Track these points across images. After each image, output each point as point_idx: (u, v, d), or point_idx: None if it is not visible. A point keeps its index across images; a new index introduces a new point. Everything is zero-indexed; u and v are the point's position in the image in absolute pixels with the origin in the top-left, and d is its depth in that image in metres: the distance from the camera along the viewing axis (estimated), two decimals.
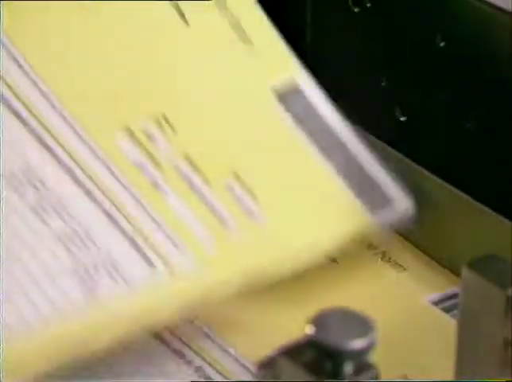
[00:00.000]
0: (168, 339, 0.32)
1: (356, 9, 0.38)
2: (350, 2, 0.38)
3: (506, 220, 0.33)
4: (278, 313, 0.34)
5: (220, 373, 0.32)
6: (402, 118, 0.38)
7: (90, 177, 0.32)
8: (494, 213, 0.34)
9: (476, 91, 0.35)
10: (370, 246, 0.38)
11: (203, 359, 0.32)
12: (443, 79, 0.36)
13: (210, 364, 0.32)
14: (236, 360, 0.33)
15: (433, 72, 0.37)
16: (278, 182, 0.34)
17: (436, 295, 0.36)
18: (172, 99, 0.34)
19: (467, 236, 0.35)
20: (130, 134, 0.33)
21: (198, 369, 0.32)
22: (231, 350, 0.32)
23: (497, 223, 0.34)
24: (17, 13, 0.36)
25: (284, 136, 0.34)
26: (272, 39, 0.36)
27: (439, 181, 0.36)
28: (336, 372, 0.21)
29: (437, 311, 0.35)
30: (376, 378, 0.22)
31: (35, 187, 0.31)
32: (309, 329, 0.22)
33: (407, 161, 0.37)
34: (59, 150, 0.32)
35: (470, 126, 0.35)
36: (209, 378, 0.31)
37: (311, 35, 0.41)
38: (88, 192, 0.31)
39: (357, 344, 0.21)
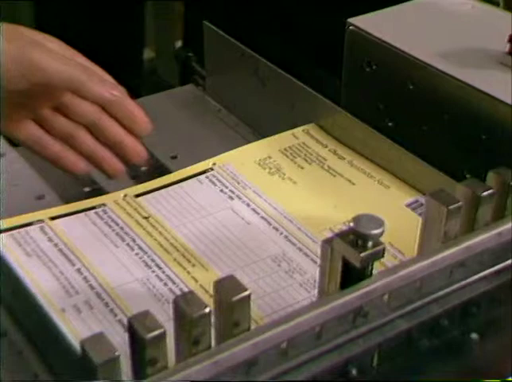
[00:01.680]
0: None
1: None
2: None
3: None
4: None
5: None
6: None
7: None
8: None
9: None
10: (370, 175, 0.48)
11: None
12: None
13: None
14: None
15: None
16: None
17: (409, 201, 0.45)
18: None
19: None
20: None
21: None
22: None
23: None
24: None
25: None
26: None
27: None
28: (364, 246, 0.31)
29: (410, 211, 0.45)
30: (383, 250, 0.31)
31: None
32: (351, 224, 0.31)
33: None
34: None
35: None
36: None
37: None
38: None
39: (375, 231, 0.31)
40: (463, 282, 0.35)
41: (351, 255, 0.32)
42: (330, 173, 0.49)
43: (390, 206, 0.44)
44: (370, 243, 0.32)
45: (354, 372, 0.32)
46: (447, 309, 0.34)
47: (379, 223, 0.32)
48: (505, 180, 0.37)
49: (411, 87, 0.49)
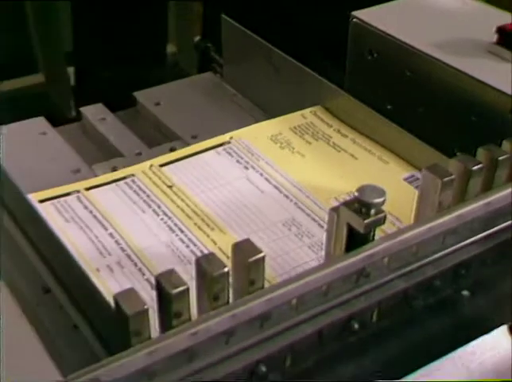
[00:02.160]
0: None
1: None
2: None
3: None
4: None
5: None
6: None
7: None
8: None
9: None
10: (371, 152, 0.47)
11: None
12: None
13: None
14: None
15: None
16: None
17: (406, 176, 0.45)
18: None
19: None
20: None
21: None
22: None
23: None
24: None
25: None
26: None
27: None
28: (368, 214, 0.31)
29: (407, 185, 0.44)
30: (384, 217, 0.31)
31: None
32: (356, 193, 0.31)
33: None
34: None
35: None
36: None
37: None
38: None
39: (378, 200, 0.30)
40: (455, 247, 0.34)
41: (356, 221, 0.31)
42: (335, 149, 0.48)
43: (389, 179, 0.44)
44: (372, 211, 0.31)
45: (356, 326, 0.32)
46: (440, 271, 0.34)
47: (381, 193, 0.32)
48: (493, 156, 0.37)
49: (408, 73, 0.48)
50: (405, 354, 0.31)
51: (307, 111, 0.51)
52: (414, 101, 0.48)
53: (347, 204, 0.32)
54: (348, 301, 0.32)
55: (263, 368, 0.30)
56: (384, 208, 0.31)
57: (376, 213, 0.31)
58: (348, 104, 0.50)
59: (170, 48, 0.90)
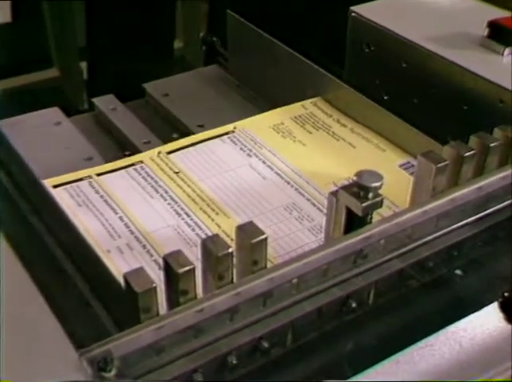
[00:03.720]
0: None
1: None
2: None
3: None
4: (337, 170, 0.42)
5: None
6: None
7: None
8: None
9: None
10: (368, 140, 0.47)
11: None
12: None
13: None
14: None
15: None
16: None
17: (401, 163, 0.44)
18: None
19: None
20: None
21: None
22: None
23: None
24: None
25: None
26: None
27: None
28: (366, 197, 0.31)
29: (402, 171, 0.44)
30: (381, 201, 0.31)
31: None
32: (355, 177, 0.31)
33: None
34: None
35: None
36: None
37: None
38: None
39: (376, 184, 0.30)
40: (448, 229, 0.34)
41: (354, 204, 0.31)
42: (334, 138, 0.48)
43: (386, 166, 0.44)
44: (370, 195, 0.31)
45: (354, 304, 0.32)
46: (434, 252, 0.34)
47: (379, 177, 0.31)
48: (485, 142, 0.36)
49: (404, 65, 0.48)
50: (400, 331, 0.31)
51: (307, 102, 0.51)
52: (410, 91, 0.48)
53: (345, 188, 0.32)
54: (346, 280, 0.32)
55: (266, 344, 0.30)
56: (380, 192, 0.31)
57: (374, 197, 0.31)
58: (347, 95, 0.50)
59: (178, 43, 0.91)
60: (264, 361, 0.30)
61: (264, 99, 0.56)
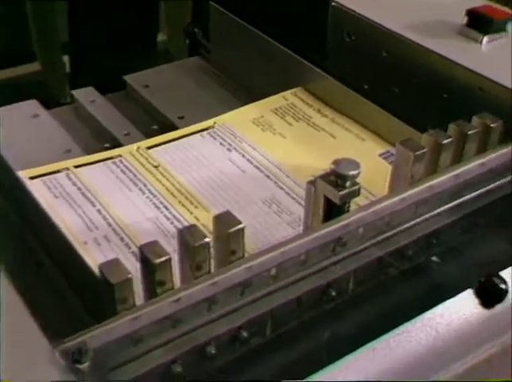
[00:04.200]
0: None
1: None
2: None
3: None
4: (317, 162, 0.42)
5: None
6: None
7: None
8: None
9: None
10: (348, 130, 0.47)
11: None
12: None
13: None
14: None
15: None
16: None
17: (381, 152, 0.44)
18: None
19: None
20: None
21: None
22: None
23: None
24: None
25: None
26: None
27: None
28: (343, 186, 0.30)
29: (382, 160, 0.44)
30: (359, 189, 0.31)
31: None
32: (332, 166, 0.31)
33: None
34: None
35: None
36: None
37: None
38: None
39: (353, 172, 0.30)
40: (427, 216, 0.34)
41: (332, 193, 0.31)
42: (315, 129, 0.48)
43: (365, 156, 0.44)
44: (348, 183, 0.31)
45: (333, 293, 0.32)
46: (412, 239, 0.34)
47: (356, 165, 0.31)
48: (463, 130, 0.36)
49: (384, 54, 0.48)
50: (378, 318, 0.31)
51: (288, 93, 0.51)
52: (390, 81, 0.48)
53: (323, 176, 0.32)
54: (326, 269, 0.32)
55: (245, 334, 0.30)
56: (359, 182, 0.31)
57: (351, 185, 0.31)
58: (328, 85, 0.50)
59: (162, 37, 0.90)
60: (243, 351, 0.29)
61: (246, 89, 0.55)
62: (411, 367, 0.27)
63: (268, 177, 0.42)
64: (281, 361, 0.30)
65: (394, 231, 0.33)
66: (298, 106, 0.50)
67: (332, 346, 0.30)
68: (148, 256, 0.27)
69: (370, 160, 0.43)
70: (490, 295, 0.27)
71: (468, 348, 0.27)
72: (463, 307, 0.28)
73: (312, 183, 0.32)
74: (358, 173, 0.31)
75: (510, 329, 0.27)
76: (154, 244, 0.27)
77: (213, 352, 0.29)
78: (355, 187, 0.31)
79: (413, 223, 0.34)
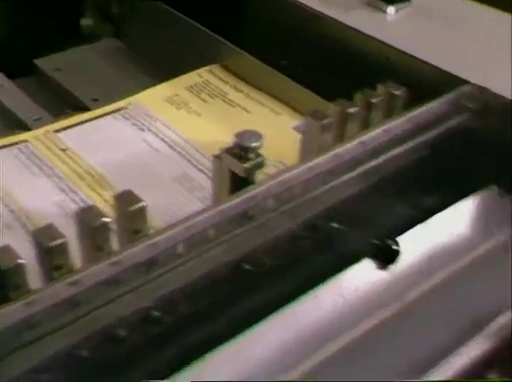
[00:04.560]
0: None
1: None
2: None
3: None
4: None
5: None
6: None
7: None
8: None
9: None
10: (263, 105, 0.47)
11: None
12: None
13: None
14: None
15: None
16: None
17: (295, 125, 0.44)
18: None
19: None
20: None
21: None
22: None
23: None
24: None
25: None
26: None
27: None
28: (247, 158, 0.31)
29: (296, 133, 0.43)
30: (264, 161, 0.31)
31: None
32: (235, 139, 0.31)
33: None
34: None
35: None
36: None
37: None
38: None
39: (255, 144, 0.31)
40: (334, 185, 0.34)
41: (236, 166, 0.31)
42: (230, 105, 0.47)
43: (280, 129, 0.44)
44: (251, 155, 0.31)
45: (246, 266, 0.32)
46: (321, 209, 0.33)
47: (258, 137, 0.31)
48: (368, 99, 0.37)
49: (295, 27, 0.48)
50: (288, 289, 0.31)
51: (203, 70, 0.50)
52: (302, 54, 0.48)
53: (228, 150, 0.32)
54: (235, 243, 0.31)
55: (156, 313, 0.29)
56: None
57: (255, 157, 0.31)
58: (244, 61, 0.49)
59: (86, 21, 0.87)
60: (156, 331, 0.29)
61: (161, 69, 0.54)
62: (320, 333, 0.27)
63: (180, 154, 0.42)
64: (194, 340, 0.29)
65: (302, 200, 0.33)
66: (213, 83, 0.49)
67: (246, 321, 0.30)
68: (41, 240, 0.26)
69: (285, 133, 0.43)
70: (384, 257, 0.28)
71: (373, 310, 0.28)
72: (367, 272, 0.29)
73: (217, 157, 0.32)
74: (261, 145, 0.31)
75: (411, 288, 0.28)
76: (49, 227, 0.26)
77: (122, 334, 0.28)
78: (260, 159, 0.31)
79: (320, 192, 0.34)
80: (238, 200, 0.31)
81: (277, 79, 0.47)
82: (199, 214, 0.30)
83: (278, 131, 0.43)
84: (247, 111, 0.46)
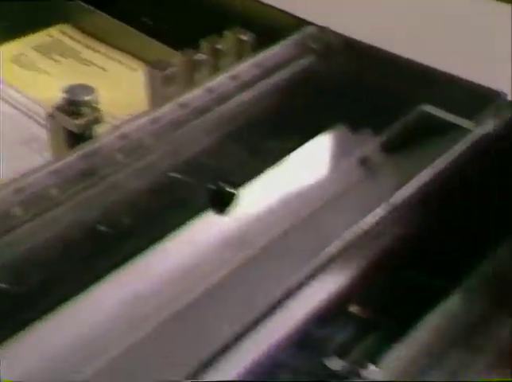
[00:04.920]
0: None
1: None
2: None
3: None
4: None
5: None
6: None
7: None
8: None
9: None
10: (121, 63, 0.45)
11: None
12: None
13: None
14: None
15: None
16: None
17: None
18: None
19: None
20: None
21: None
22: None
23: None
24: None
25: None
26: None
27: None
28: (81, 113, 0.30)
29: None
30: (100, 116, 0.30)
31: None
32: (64, 95, 0.30)
33: None
34: None
35: None
36: None
37: None
38: None
39: (87, 98, 0.29)
40: (180, 133, 0.33)
41: (69, 123, 0.30)
42: (85, 64, 0.45)
43: (136, 85, 0.41)
44: (85, 110, 0.30)
45: (103, 228, 0.30)
46: (172, 163, 0.32)
47: (90, 90, 0.30)
48: (214, 45, 0.36)
49: None
50: (140, 242, 0.30)
51: (53, 30, 0.48)
52: (163, 11, 0.46)
53: (59, 107, 0.30)
54: (82, 202, 0.30)
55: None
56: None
57: (91, 113, 0.30)
58: (100, 20, 0.47)
59: None
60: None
61: (4, 30, 0.51)
62: (170, 283, 0.27)
63: (28, 115, 0.39)
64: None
65: (152, 155, 0.32)
66: (66, 42, 0.47)
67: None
68: None
69: (141, 89, 0.42)
70: (220, 200, 0.27)
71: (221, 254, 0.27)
72: (215, 218, 0.28)
73: (51, 115, 0.30)
74: (95, 99, 0.30)
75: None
76: None
77: None
78: (96, 114, 0.30)
79: (172, 147, 0.33)
80: (74, 156, 0.29)
81: (133, 36, 0.46)
82: (30, 173, 0.28)
83: (135, 87, 0.41)
84: (104, 70, 0.45)
